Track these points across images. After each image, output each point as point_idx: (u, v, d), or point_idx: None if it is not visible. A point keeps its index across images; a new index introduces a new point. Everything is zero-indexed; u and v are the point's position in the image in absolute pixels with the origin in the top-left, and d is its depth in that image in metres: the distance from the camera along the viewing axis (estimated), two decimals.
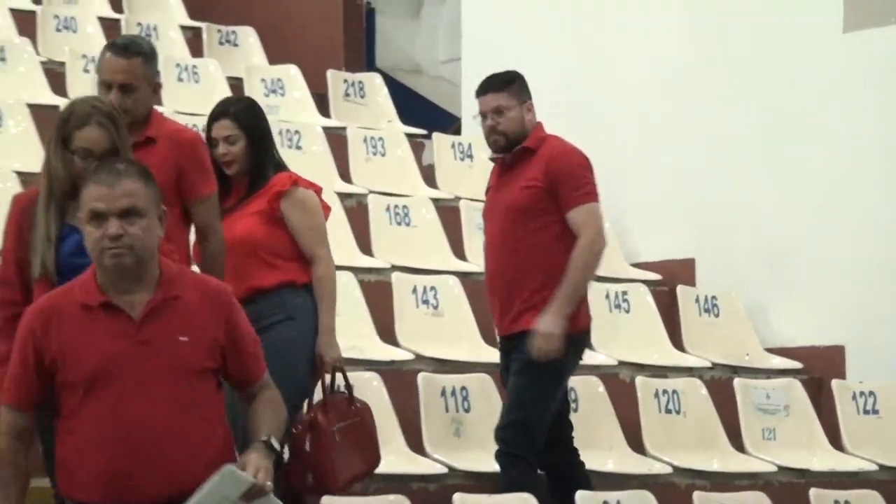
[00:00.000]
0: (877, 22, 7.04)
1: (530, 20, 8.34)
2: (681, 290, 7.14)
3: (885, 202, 6.95)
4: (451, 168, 7.82)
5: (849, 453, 6.40)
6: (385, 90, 8.50)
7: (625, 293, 6.92)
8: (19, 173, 6.14)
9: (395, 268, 6.62)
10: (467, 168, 7.75)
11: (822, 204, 7.16)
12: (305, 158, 7.40)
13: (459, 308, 6.42)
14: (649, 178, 7.78)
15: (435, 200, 7.31)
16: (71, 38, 8.21)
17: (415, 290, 6.39)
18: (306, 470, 4.66)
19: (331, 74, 8.40)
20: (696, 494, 5.60)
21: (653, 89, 7.81)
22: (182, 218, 4.51)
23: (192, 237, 4.61)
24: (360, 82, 8.45)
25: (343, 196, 7.08)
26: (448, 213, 7.19)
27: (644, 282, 7.18)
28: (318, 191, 4.97)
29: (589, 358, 6.45)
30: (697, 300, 7.11)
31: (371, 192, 7.25)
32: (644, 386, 6.25)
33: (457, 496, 5.06)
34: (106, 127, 3.92)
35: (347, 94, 8.37)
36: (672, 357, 6.78)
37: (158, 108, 4.73)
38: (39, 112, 6.89)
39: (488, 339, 6.16)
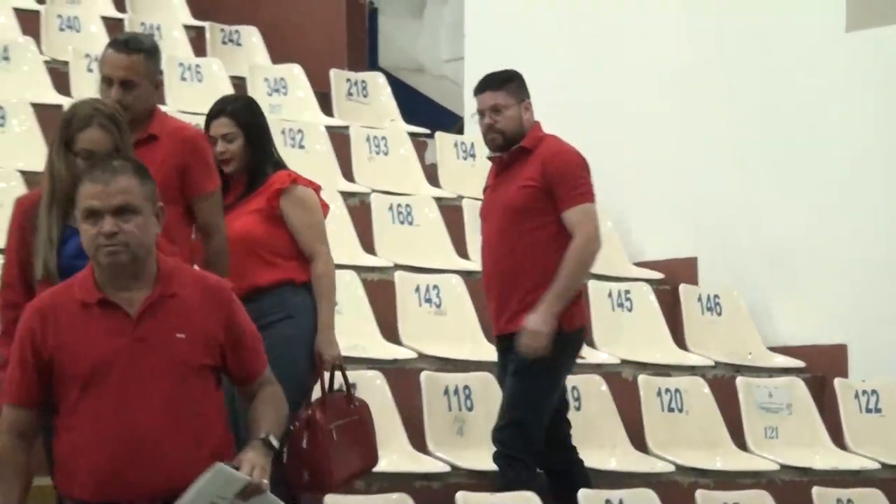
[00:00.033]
0: (879, 21, 7.05)
1: (532, 20, 8.35)
2: (683, 288, 7.15)
3: (887, 201, 6.96)
4: (453, 167, 7.83)
5: (851, 452, 6.40)
6: (388, 89, 8.50)
7: (627, 292, 6.92)
8: (23, 172, 6.14)
9: (397, 267, 6.63)
10: (470, 167, 7.76)
11: (825, 203, 7.16)
12: (308, 158, 7.41)
13: (462, 307, 6.42)
14: (652, 177, 7.79)
15: (438, 199, 7.32)
16: (74, 37, 8.22)
17: (417, 289, 6.40)
18: (303, 467, 4.65)
19: (334, 74, 8.41)
20: (699, 493, 5.61)
21: (654, 89, 7.82)
22: (185, 216, 4.51)
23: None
24: (363, 82, 8.46)
25: (346, 195, 7.09)
26: (451, 212, 7.20)
27: (647, 281, 7.18)
28: (317, 189, 4.97)
29: (592, 357, 6.48)
30: (700, 299, 7.12)
31: (374, 191, 7.25)
32: (647, 384, 6.25)
33: (459, 495, 5.06)
34: (108, 129, 3.92)
35: (350, 94, 8.37)
36: (675, 356, 6.79)
37: (161, 108, 4.74)
38: (43, 111, 6.90)
39: (491, 337, 6.14)
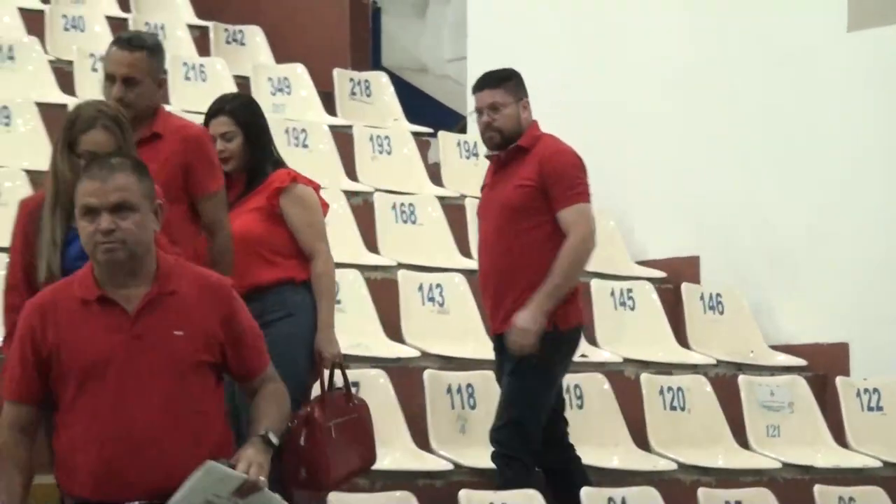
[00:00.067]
0: (881, 21, 7.05)
1: (535, 20, 8.36)
2: (685, 287, 7.16)
3: (889, 200, 6.96)
4: (456, 166, 7.85)
5: (853, 450, 6.42)
6: (391, 89, 8.52)
7: (630, 291, 6.93)
8: (28, 172, 6.16)
9: (401, 265, 6.64)
10: (473, 166, 7.77)
11: (826, 202, 7.17)
12: (312, 157, 7.43)
13: (465, 305, 6.43)
14: (654, 176, 7.80)
15: (441, 198, 7.33)
16: (79, 37, 8.24)
17: (421, 288, 6.41)
18: (300, 465, 4.65)
19: (337, 73, 8.43)
20: (701, 491, 5.62)
21: (657, 89, 7.83)
22: (189, 215, 4.51)
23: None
24: (367, 81, 8.48)
25: (349, 194, 7.10)
26: (454, 211, 7.21)
27: (649, 279, 7.19)
28: (317, 187, 4.97)
29: (594, 355, 6.50)
30: (702, 298, 7.13)
31: (377, 190, 7.27)
32: (649, 383, 6.26)
33: (462, 493, 5.08)
34: (111, 130, 3.92)
35: (353, 93, 8.39)
36: (677, 354, 6.79)
37: (165, 107, 4.75)
38: (48, 111, 6.91)
39: None
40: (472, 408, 5.75)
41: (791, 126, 7.32)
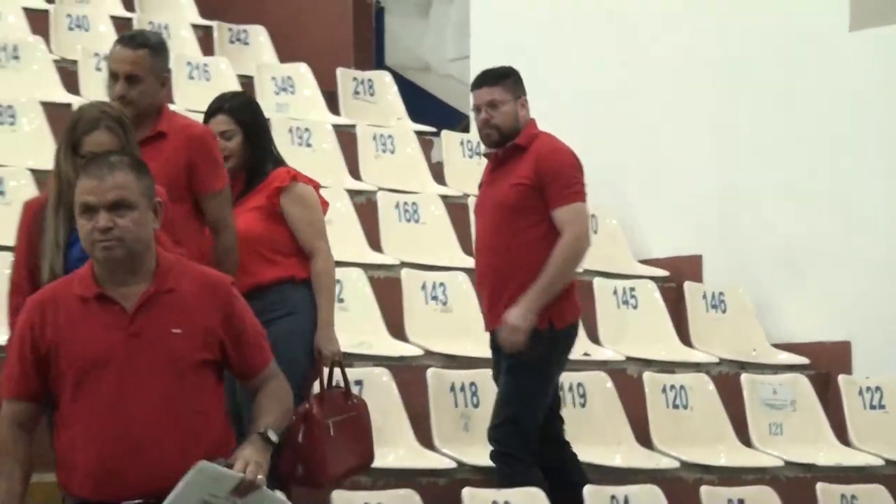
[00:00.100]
0: (883, 20, 7.06)
1: (538, 19, 8.38)
2: (688, 286, 7.17)
3: (892, 198, 6.97)
4: (459, 165, 7.86)
5: (855, 448, 6.42)
6: (394, 88, 8.54)
7: (632, 289, 6.94)
8: (33, 171, 6.18)
9: (404, 264, 6.65)
10: (476, 165, 7.77)
11: (829, 200, 7.18)
12: (315, 156, 7.45)
13: (468, 304, 6.44)
14: (657, 175, 7.81)
15: (444, 197, 7.34)
16: (83, 36, 8.26)
17: (424, 286, 6.42)
18: (297, 461, 4.65)
19: (340, 73, 8.45)
20: (704, 489, 5.63)
21: (660, 87, 7.84)
22: (193, 214, 4.52)
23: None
24: (370, 80, 8.49)
25: (353, 193, 7.12)
26: (457, 210, 7.23)
27: (652, 278, 7.20)
28: (317, 186, 4.98)
29: (597, 354, 6.51)
30: (704, 296, 7.14)
31: (380, 188, 7.28)
32: (652, 381, 6.27)
33: (465, 491, 5.09)
34: (115, 131, 3.93)
35: (357, 92, 8.41)
36: (679, 353, 6.80)
37: (169, 106, 4.76)
38: (52, 110, 6.93)
39: None
40: (476, 406, 5.75)
41: (793, 125, 7.33)
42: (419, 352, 6.08)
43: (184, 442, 3.43)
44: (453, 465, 5.49)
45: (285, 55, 8.78)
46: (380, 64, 9.75)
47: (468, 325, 6.37)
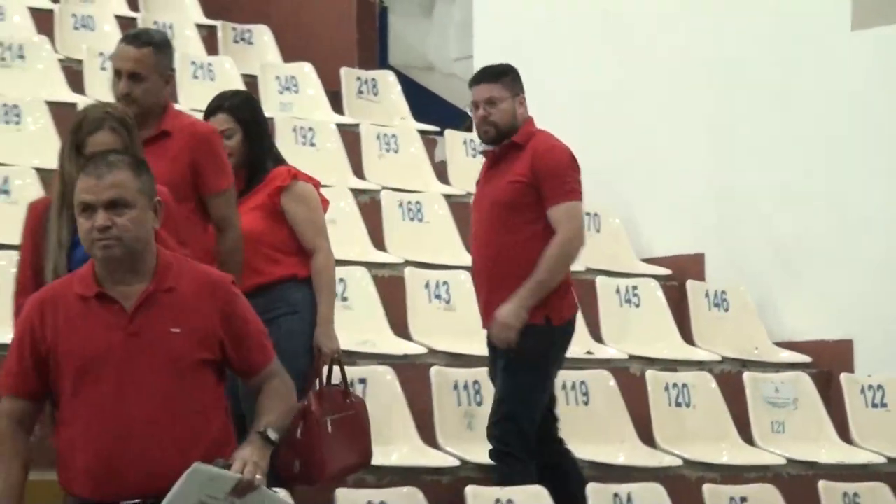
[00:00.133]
0: (885, 20, 7.07)
1: (540, 19, 8.40)
2: (690, 284, 7.18)
3: (890, 198, 6.97)
4: (462, 164, 7.87)
5: (857, 446, 6.43)
6: (398, 87, 8.55)
7: (635, 288, 6.95)
8: (38, 170, 6.19)
9: (407, 263, 6.66)
10: (479, 164, 7.76)
11: (830, 199, 7.19)
12: (319, 155, 7.47)
13: (471, 302, 6.39)
14: (659, 174, 7.83)
15: (447, 196, 7.35)
16: (88, 36, 8.28)
17: (427, 285, 6.43)
18: (295, 457, 4.64)
19: (344, 72, 8.46)
20: (706, 487, 5.65)
21: (662, 86, 7.86)
22: (198, 214, 4.53)
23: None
24: (374, 80, 8.51)
25: (356, 192, 7.13)
26: (460, 209, 7.24)
27: (654, 277, 7.21)
28: (317, 184, 5.00)
29: (600, 352, 6.53)
30: (707, 295, 7.15)
31: (384, 188, 7.29)
32: (654, 380, 6.28)
33: (469, 489, 5.11)
34: (118, 132, 3.92)
35: (361, 92, 8.42)
36: (682, 351, 6.81)
37: (174, 105, 4.78)
38: (58, 109, 6.94)
39: None
40: (479, 404, 5.76)
41: (795, 124, 7.34)
42: (423, 350, 6.10)
43: (183, 441, 3.42)
44: (457, 463, 5.50)
45: (289, 55, 8.80)
46: (383, 63, 9.77)
47: (471, 323, 6.37)
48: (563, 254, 5.08)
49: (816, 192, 7.22)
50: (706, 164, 7.64)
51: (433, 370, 5.81)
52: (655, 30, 7.91)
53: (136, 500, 3.41)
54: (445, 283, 6.45)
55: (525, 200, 5.10)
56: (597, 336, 6.68)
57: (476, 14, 8.77)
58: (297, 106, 8.17)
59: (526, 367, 5.06)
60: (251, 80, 8.18)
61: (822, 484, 5.85)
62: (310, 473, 4.72)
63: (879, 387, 6.65)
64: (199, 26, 8.86)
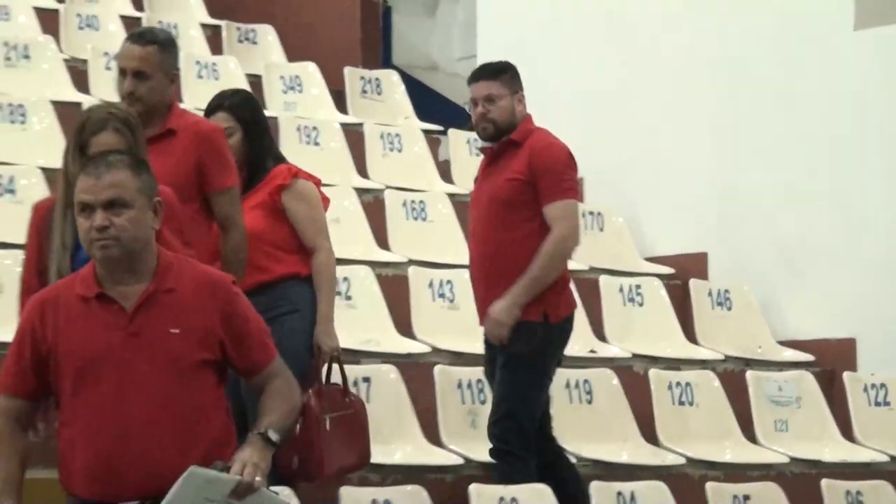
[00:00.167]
0: (888, 19, 7.08)
1: (544, 18, 8.41)
2: (693, 283, 7.19)
3: (891, 198, 6.97)
4: (466, 163, 7.88)
5: (860, 445, 6.44)
6: (402, 87, 8.57)
7: (638, 287, 6.96)
8: (43, 169, 6.21)
9: (411, 262, 6.67)
10: None
11: (833, 198, 7.20)
12: (323, 154, 7.49)
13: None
14: (662, 173, 7.84)
15: (451, 195, 7.36)
16: (93, 35, 8.30)
17: (431, 284, 6.44)
18: (292, 453, 4.63)
19: (348, 72, 8.48)
20: (709, 485, 5.66)
21: (666, 86, 7.87)
22: (202, 213, 4.53)
23: None
24: (377, 79, 8.53)
25: (360, 191, 7.15)
26: (464, 208, 7.20)
27: (657, 276, 7.22)
28: (318, 182, 5.01)
29: (603, 351, 6.54)
30: (710, 294, 7.15)
31: (388, 187, 7.31)
32: (657, 378, 6.29)
33: (472, 487, 5.11)
34: (122, 133, 3.93)
35: (364, 91, 8.44)
36: (685, 350, 6.82)
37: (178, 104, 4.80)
38: (63, 109, 6.96)
39: None
40: (482, 403, 5.76)
41: (799, 124, 7.35)
42: (426, 349, 6.10)
43: (183, 441, 3.41)
44: (460, 461, 5.51)
45: (293, 54, 8.82)
46: (387, 63, 9.78)
47: (475, 322, 6.37)
48: (557, 251, 5.08)
49: (820, 192, 7.23)
50: (710, 164, 7.66)
51: (437, 369, 5.82)
52: (659, 29, 7.92)
53: (135, 502, 3.41)
54: (449, 281, 6.46)
55: (522, 198, 5.11)
56: (600, 335, 6.70)
57: (480, 14, 8.78)
58: (300, 105, 8.19)
59: (524, 365, 5.07)
60: (255, 80, 8.20)
61: (825, 482, 5.85)
62: (308, 470, 4.73)
63: (882, 385, 6.65)
64: (204, 26, 8.88)
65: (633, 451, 5.97)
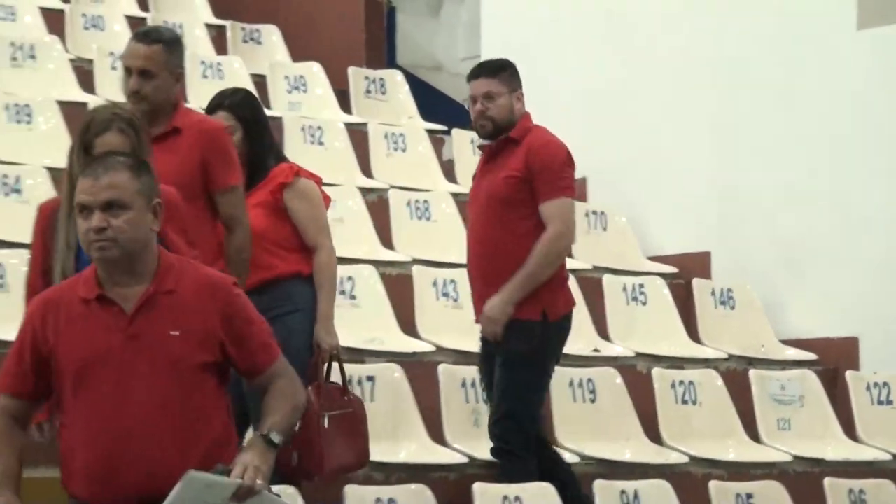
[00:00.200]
0: (891, 19, 7.09)
1: (548, 18, 8.42)
2: (697, 282, 7.19)
3: (891, 198, 6.98)
4: (470, 163, 7.85)
5: (863, 443, 6.45)
6: (406, 87, 8.59)
7: (642, 286, 6.98)
8: (49, 169, 6.23)
9: (415, 261, 6.68)
10: None
11: (834, 198, 7.21)
12: (327, 154, 7.51)
13: None
14: (666, 173, 7.85)
15: (454, 195, 7.36)
16: (98, 36, 8.32)
17: (435, 283, 6.45)
18: (292, 449, 4.63)
19: (352, 71, 8.50)
20: (713, 484, 5.67)
21: (666, 86, 7.87)
22: (207, 213, 4.54)
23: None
24: (381, 79, 8.55)
25: (364, 191, 7.16)
26: (467, 208, 7.26)
27: (661, 275, 7.24)
28: (319, 181, 5.02)
29: (606, 350, 6.55)
30: (713, 293, 7.16)
31: (392, 186, 7.32)
32: (661, 377, 6.30)
33: (476, 485, 5.12)
34: (126, 133, 3.93)
35: (369, 91, 8.46)
36: (688, 349, 6.84)
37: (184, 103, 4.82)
38: (68, 109, 6.98)
39: None
40: (486, 401, 5.79)
41: (799, 124, 7.35)
42: (430, 348, 6.12)
43: (183, 443, 3.40)
44: (464, 460, 5.51)
45: (298, 54, 8.84)
46: (391, 63, 9.79)
47: None
48: (551, 249, 5.08)
49: (820, 192, 7.24)
50: (710, 164, 7.67)
51: (441, 368, 5.82)
52: (659, 30, 7.93)
53: None
54: (453, 281, 6.47)
55: (520, 196, 5.11)
56: (603, 334, 6.71)
57: (484, 14, 8.80)
58: (305, 105, 8.21)
59: (524, 364, 5.07)
60: (260, 80, 8.22)
61: (827, 481, 5.86)
62: (308, 467, 4.73)
63: (885, 384, 6.67)
64: (209, 26, 8.90)
65: (637, 449, 5.97)
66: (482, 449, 5.50)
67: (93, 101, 7.04)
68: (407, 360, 5.89)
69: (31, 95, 7.11)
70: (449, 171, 7.88)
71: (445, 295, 6.46)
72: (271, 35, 9.01)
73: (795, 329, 7.21)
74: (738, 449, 6.23)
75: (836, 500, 5.81)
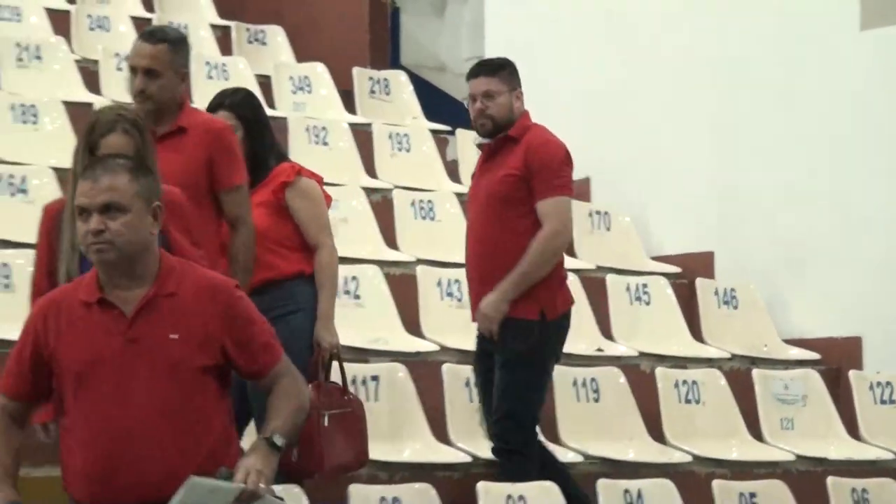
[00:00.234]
0: (894, 20, 7.09)
1: (551, 18, 8.44)
2: (700, 282, 7.21)
3: (892, 198, 6.98)
4: (474, 163, 7.83)
5: (866, 442, 6.46)
6: (410, 87, 8.60)
7: (645, 286, 6.99)
8: (55, 170, 6.25)
9: (419, 261, 6.69)
10: None
11: (834, 198, 7.22)
12: (332, 154, 7.53)
13: None
14: (669, 172, 7.86)
15: (458, 195, 7.36)
16: (104, 36, 8.34)
17: (439, 283, 6.46)
18: (293, 446, 4.57)
19: (357, 72, 8.51)
20: (716, 483, 5.68)
21: (666, 85, 7.88)
22: (211, 211, 4.55)
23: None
24: (386, 80, 8.56)
25: (369, 191, 7.18)
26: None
27: (664, 274, 7.25)
28: (320, 180, 5.03)
29: (610, 349, 6.56)
30: (716, 292, 7.17)
31: (396, 187, 7.34)
32: (664, 376, 6.31)
33: (480, 485, 5.13)
34: (131, 134, 3.93)
35: (373, 92, 8.47)
36: (692, 348, 6.84)
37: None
38: (74, 109, 6.99)
39: None
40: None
41: (799, 124, 7.36)
42: (435, 347, 6.13)
43: (183, 446, 3.39)
44: (468, 459, 5.52)
45: (302, 55, 8.86)
46: (395, 63, 9.81)
47: None
48: (547, 247, 5.08)
49: (820, 192, 7.24)
50: (710, 164, 7.67)
51: (445, 367, 5.84)
52: (659, 29, 7.94)
53: None
54: (457, 280, 6.47)
55: (518, 194, 5.12)
56: (607, 333, 6.72)
57: (487, 14, 8.81)
58: (309, 106, 8.22)
59: (523, 363, 5.07)
60: (265, 80, 8.24)
61: (830, 480, 5.87)
62: (308, 464, 4.73)
63: (888, 383, 6.67)
64: (214, 27, 8.92)
65: (640, 448, 5.99)
66: (486, 448, 5.49)
67: (98, 101, 7.07)
68: (411, 360, 5.90)
69: (36, 96, 7.13)
70: (453, 171, 7.89)
71: (449, 295, 6.47)
72: (276, 36, 9.03)
73: (798, 329, 7.22)
74: (742, 448, 6.24)
75: (840, 499, 5.82)
